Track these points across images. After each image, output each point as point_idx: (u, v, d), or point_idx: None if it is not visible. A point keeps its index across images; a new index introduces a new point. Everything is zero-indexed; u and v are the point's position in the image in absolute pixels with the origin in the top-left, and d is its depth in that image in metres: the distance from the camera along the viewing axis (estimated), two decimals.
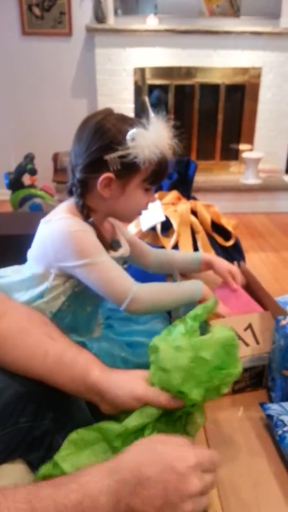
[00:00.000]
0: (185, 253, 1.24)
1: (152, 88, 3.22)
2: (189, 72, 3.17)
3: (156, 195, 1.43)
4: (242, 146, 3.41)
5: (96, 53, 3.00)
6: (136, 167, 0.80)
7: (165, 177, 0.89)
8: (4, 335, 0.69)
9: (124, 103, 3.15)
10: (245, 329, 0.80)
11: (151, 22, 3.03)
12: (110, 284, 0.80)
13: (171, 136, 0.84)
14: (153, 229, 1.39)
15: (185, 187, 1.43)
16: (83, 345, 0.79)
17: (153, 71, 3.15)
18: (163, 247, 1.36)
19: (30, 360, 0.67)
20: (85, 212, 0.84)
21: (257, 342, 0.79)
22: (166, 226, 1.37)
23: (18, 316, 0.73)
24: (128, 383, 0.64)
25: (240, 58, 3.12)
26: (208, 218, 1.37)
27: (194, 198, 1.48)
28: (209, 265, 1.04)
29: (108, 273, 0.80)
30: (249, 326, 0.81)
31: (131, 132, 0.79)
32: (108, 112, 0.84)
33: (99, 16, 2.95)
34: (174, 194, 1.39)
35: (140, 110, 3.26)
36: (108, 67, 3.05)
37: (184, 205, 1.37)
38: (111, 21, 3.02)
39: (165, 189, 1.41)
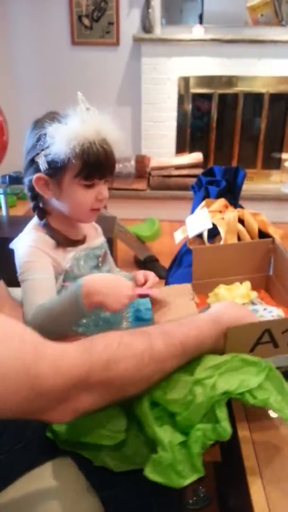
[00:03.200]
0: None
1: (195, 97, 3.25)
2: (232, 80, 3.18)
3: (203, 203, 1.45)
4: (284, 155, 3.37)
5: (142, 62, 3.06)
6: (61, 163, 0.80)
7: (103, 168, 0.82)
8: None
9: (167, 112, 3.19)
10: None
11: (197, 31, 3.06)
12: (25, 302, 0.82)
13: (105, 125, 0.81)
14: (200, 236, 1.41)
15: (232, 195, 1.44)
16: None
17: (197, 80, 3.18)
18: None
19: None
20: (39, 213, 0.88)
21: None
22: (213, 233, 1.38)
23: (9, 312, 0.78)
24: None
25: (284, 67, 3.10)
26: (255, 226, 1.38)
27: (241, 207, 1.49)
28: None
29: (27, 293, 0.81)
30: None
31: (48, 130, 0.80)
32: (45, 114, 0.85)
33: (146, 26, 3.01)
34: (221, 201, 1.40)
35: (182, 120, 3.30)
36: (153, 76, 3.10)
37: (232, 213, 1.38)
38: (158, 31, 3.08)
39: (212, 196, 1.43)
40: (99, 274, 0.91)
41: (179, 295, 0.94)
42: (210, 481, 1.16)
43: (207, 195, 1.44)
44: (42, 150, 0.81)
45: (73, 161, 0.78)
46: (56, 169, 0.81)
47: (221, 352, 0.66)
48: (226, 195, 1.43)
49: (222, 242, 1.36)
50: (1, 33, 3.03)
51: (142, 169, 3.16)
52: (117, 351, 0.55)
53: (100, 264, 0.96)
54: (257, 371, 0.62)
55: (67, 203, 0.85)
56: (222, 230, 1.36)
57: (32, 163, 0.84)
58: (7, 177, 1.89)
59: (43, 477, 0.67)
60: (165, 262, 2.40)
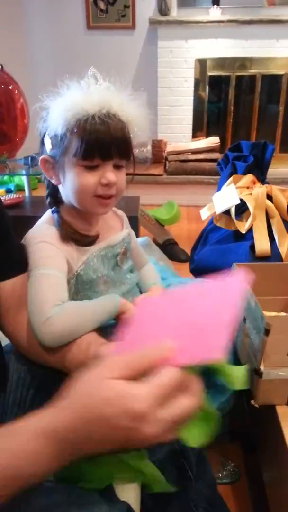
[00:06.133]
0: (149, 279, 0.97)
1: (212, 79, 3.21)
2: (250, 62, 3.13)
3: (230, 179, 1.44)
4: None
5: (159, 46, 3.03)
6: (61, 141, 0.70)
7: (105, 147, 0.69)
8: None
9: (183, 95, 3.16)
10: None
11: (214, 13, 3.02)
12: (32, 299, 0.69)
13: (115, 101, 0.69)
14: (227, 212, 1.40)
15: (260, 171, 1.43)
16: None
17: (214, 62, 3.14)
18: (237, 231, 1.37)
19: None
20: (50, 202, 0.78)
21: None
22: (241, 209, 1.37)
23: None
24: None
25: None
26: (284, 202, 1.36)
27: (268, 183, 1.47)
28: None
29: (35, 287, 0.69)
30: None
31: (48, 105, 0.71)
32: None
33: (163, 8, 2.97)
34: (249, 177, 1.39)
35: (199, 104, 3.26)
36: (169, 59, 3.07)
37: (260, 189, 1.36)
38: (174, 13, 3.04)
39: (239, 172, 1.41)
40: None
41: None
42: (239, 456, 1.17)
43: (234, 171, 1.43)
44: (46, 129, 0.73)
45: (69, 136, 0.68)
46: (58, 148, 0.71)
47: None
48: (253, 171, 1.41)
49: (250, 218, 1.35)
50: (17, 18, 3.02)
51: (158, 154, 3.14)
52: None
53: (119, 263, 0.83)
54: None
55: (70, 188, 0.73)
56: (250, 205, 1.35)
57: (42, 145, 0.75)
58: (29, 158, 1.89)
59: None
60: (183, 245, 2.40)
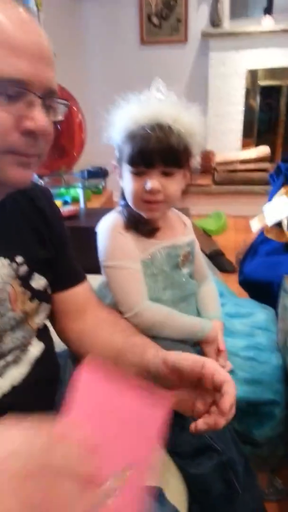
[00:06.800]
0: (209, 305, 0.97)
1: (263, 89, 3.18)
2: None
3: (282, 190, 1.42)
4: None
5: (210, 57, 3.05)
6: (121, 148, 0.77)
7: (150, 156, 0.74)
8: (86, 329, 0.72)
9: (234, 106, 3.16)
10: None
11: (266, 22, 3.00)
12: (123, 292, 0.80)
13: (168, 112, 0.73)
14: (278, 224, 1.39)
15: None
16: None
17: (266, 72, 3.11)
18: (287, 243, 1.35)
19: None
20: (122, 196, 0.84)
21: None
22: None
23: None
24: None
25: None
26: None
27: None
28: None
29: (125, 282, 0.80)
30: None
31: (115, 114, 0.77)
32: None
33: (215, 21, 3.00)
34: None
35: (249, 114, 3.24)
36: (221, 71, 3.08)
37: None
38: (226, 25, 3.06)
39: None
40: None
41: None
42: (287, 474, 1.14)
43: (286, 182, 1.41)
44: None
45: (123, 145, 0.76)
46: (120, 155, 0.79)
47: None
48: None
49: None
50: (76, 38, 3.16)
51: (207, 165, 3.15)
52: None
53: (180, 266, 0.88)
54: None
55: (125, 192, 0.81)
56: None
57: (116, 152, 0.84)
58: (86, 172, 1.97)
59: None
60: (230, 256, 2.38)
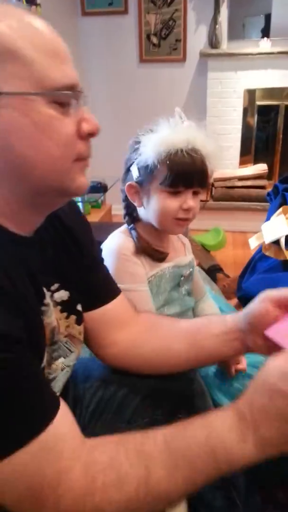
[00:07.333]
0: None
1: (261, 108, 3.25)
2: None
3: (280, 210, 1.45)
4: None
5: (208, 77, 3.12)
6: (150, 171, 0.82)
7: (189, 177, 0.82)
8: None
9: (232, 124, 3.22)
10: None
11: (264, 45, 3.08)
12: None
13: (198, 137, 0.80)
14: (276, 242, 1.41)
15: None
16: None
17: (263, 92, 3.19)
18: (286, 260, 1.38)
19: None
20: (128, 220, 0.89)
21: None
22: None
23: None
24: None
25: None
26: None
27: None
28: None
29: (134, 303, 0.79)
30: None
31: (142, 139, 0.83)
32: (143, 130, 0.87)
33: (213, 41, 3.08)
34: None
35: (247, 132, 3.31)
36: (218, 90, 3.15)
37: None
38: (225, 46, 3.14)
39: None
40: None
41: None
42: None
43: (284, 202, 1.45)
44: (136, 159, 0.86)
45: (159, 167, 0.80)
46: (145, 176, 0.84)
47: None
48: None
49: None
50: (76, 53, 3.22)
51: None
52: (108, 493, 0.46)
53: (180, 284, 0.93)
54: None
55: (153, 211, 0.85)
56: None
57: (128, 173, 0.89)
58: None
59: None
60: (228, 271, 2.40)
